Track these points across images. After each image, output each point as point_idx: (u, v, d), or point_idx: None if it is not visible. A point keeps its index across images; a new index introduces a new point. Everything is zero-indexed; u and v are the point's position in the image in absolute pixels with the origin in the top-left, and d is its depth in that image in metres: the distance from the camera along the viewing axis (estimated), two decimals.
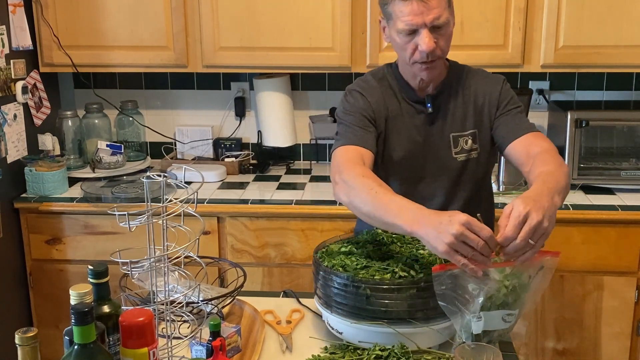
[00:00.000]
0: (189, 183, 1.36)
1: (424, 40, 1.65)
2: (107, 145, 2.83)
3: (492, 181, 2.08)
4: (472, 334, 1.38)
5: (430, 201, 1.79)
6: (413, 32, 1.66)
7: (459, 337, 1.39)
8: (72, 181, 2.77)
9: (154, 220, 1.25)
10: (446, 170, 1.82)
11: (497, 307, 1.38)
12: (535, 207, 1.32)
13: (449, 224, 1.30)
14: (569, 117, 2.57)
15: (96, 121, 2.95)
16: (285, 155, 3.09)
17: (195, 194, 1.27)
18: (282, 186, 2.76)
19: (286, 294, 1.80)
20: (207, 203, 2.55)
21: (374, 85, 1.82)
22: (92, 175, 2.80)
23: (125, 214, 1.18)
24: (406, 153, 1.81)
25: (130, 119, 2.99)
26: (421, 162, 1.82)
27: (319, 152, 3.10)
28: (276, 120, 2.94)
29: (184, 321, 1.48)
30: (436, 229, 1.31)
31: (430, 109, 1.79)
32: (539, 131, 1.77)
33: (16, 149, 2.65)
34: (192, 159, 3.06)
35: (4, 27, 2.56)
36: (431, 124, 1.81)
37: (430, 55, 1.67)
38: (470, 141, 1.82)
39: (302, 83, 3.05)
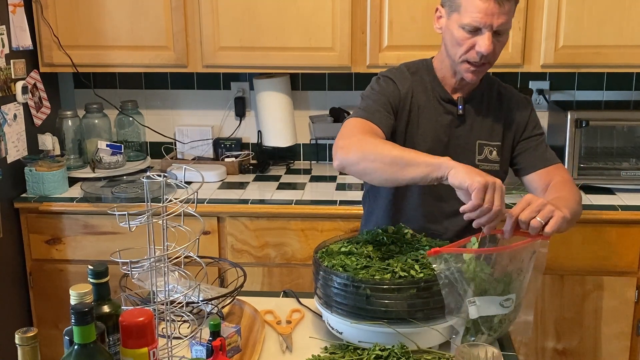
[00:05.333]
0: (189, 183, 1.36)
1: (485, 42, 1.63)
2: (107, 145, 2.83)
3: None
4: (470, 320, 1.38)
5: (446, 202, 1.79)
6: (476, 31, 1.65)
7: (456, 332, 1.40)
8: (72, 181, 2.77)
9: (154, 220, 1.25)
10: None
11: (491, 294, 1.39)
12: (541, 198, 1.45)
13: (489, 175, 1.37)
14: (569, 117, 2.57)
15: (96, 121, 2.95)
16: (285, 155, 3.09)
17: (195, 194, 1.27)
18: (282, 186, 2.76)
19: (286, 294, 1.80)
20: (207, 203, 2.55)
21: (407, 76, 1.81)
22: (92, 175, 2.80)
23: (125, 214, 1.18)
24: (429, 151, 1.80)
25: (130, 119, 2.98)
26: None
27: (319, 152, 3.10)
28: (276, 120, 2.94)
29: (184, 321, 1.48)
30: (477, 171, 1.38)
31: (460, 111, 1.79)
32: (560, 162, 1.81)
33: (16, 149, 2.65)
34: (192, 159, 3.05)
35: (4, 27, 2.55)
36: (458, 126, 1.80)
37: (484, 58, 1.67)
38: (495, 152, 1.82)
39: (302, 83, 3.05)
